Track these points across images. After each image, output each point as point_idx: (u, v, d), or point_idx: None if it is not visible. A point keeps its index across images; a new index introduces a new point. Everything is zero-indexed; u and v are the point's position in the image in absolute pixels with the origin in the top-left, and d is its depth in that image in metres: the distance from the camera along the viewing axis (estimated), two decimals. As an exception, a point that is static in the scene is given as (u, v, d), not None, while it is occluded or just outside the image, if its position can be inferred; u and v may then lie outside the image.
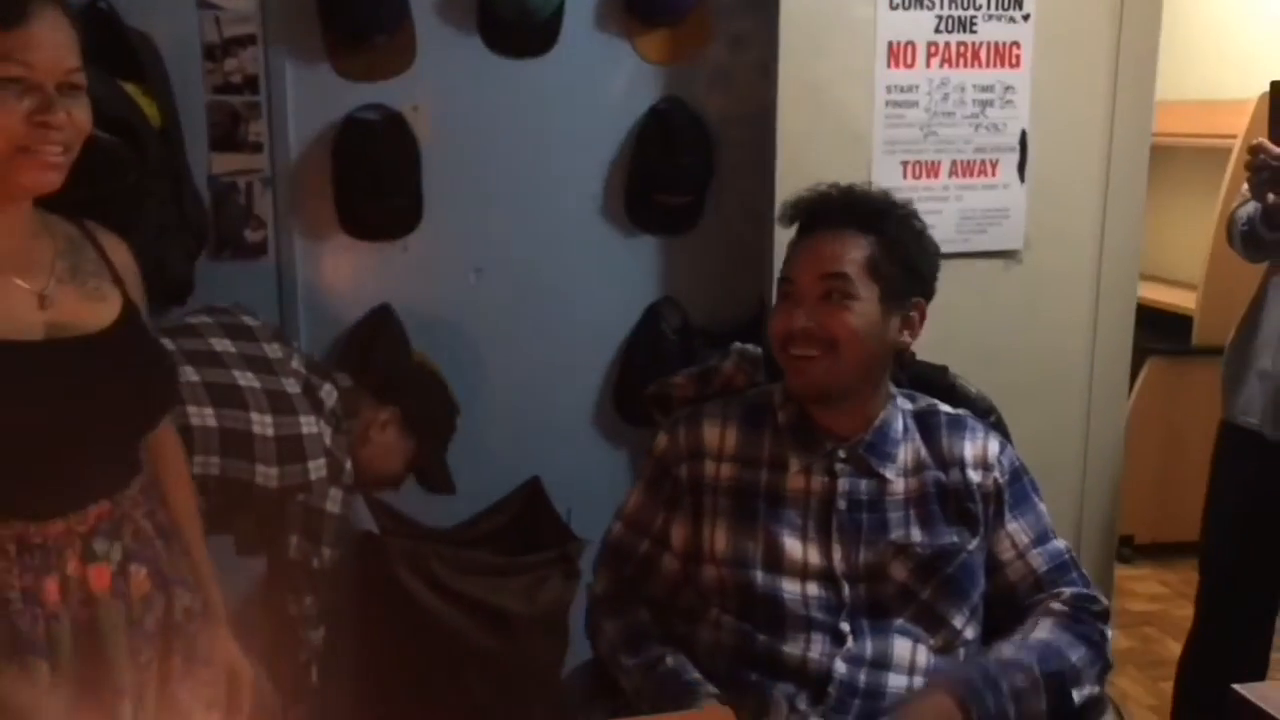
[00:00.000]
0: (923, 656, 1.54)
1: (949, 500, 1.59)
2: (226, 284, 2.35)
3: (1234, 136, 3.92)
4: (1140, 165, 2.85)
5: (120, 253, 1.46)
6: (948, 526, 1.58)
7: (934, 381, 1.78)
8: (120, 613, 1.36)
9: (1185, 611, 3.64)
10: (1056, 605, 1.58)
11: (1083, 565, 3.02)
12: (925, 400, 1.69)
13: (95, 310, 1.38)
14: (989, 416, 1.76)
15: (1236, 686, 1.58)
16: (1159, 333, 3.96)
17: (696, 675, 1.54)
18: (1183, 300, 4.11)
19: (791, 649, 1.52)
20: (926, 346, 2.68)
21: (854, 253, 1.55)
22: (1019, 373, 2.92)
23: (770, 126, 2.47)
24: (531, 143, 2.59)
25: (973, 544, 1.59)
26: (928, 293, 1.63)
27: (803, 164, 2.45)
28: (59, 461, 1.32)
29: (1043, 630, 1.56)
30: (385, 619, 2.23)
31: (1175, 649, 3.38)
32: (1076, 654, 1.53)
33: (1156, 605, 3.73)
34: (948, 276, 2.74)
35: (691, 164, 2.62)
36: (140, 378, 1.42)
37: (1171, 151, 4.04)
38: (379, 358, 2.46)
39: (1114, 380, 3.07)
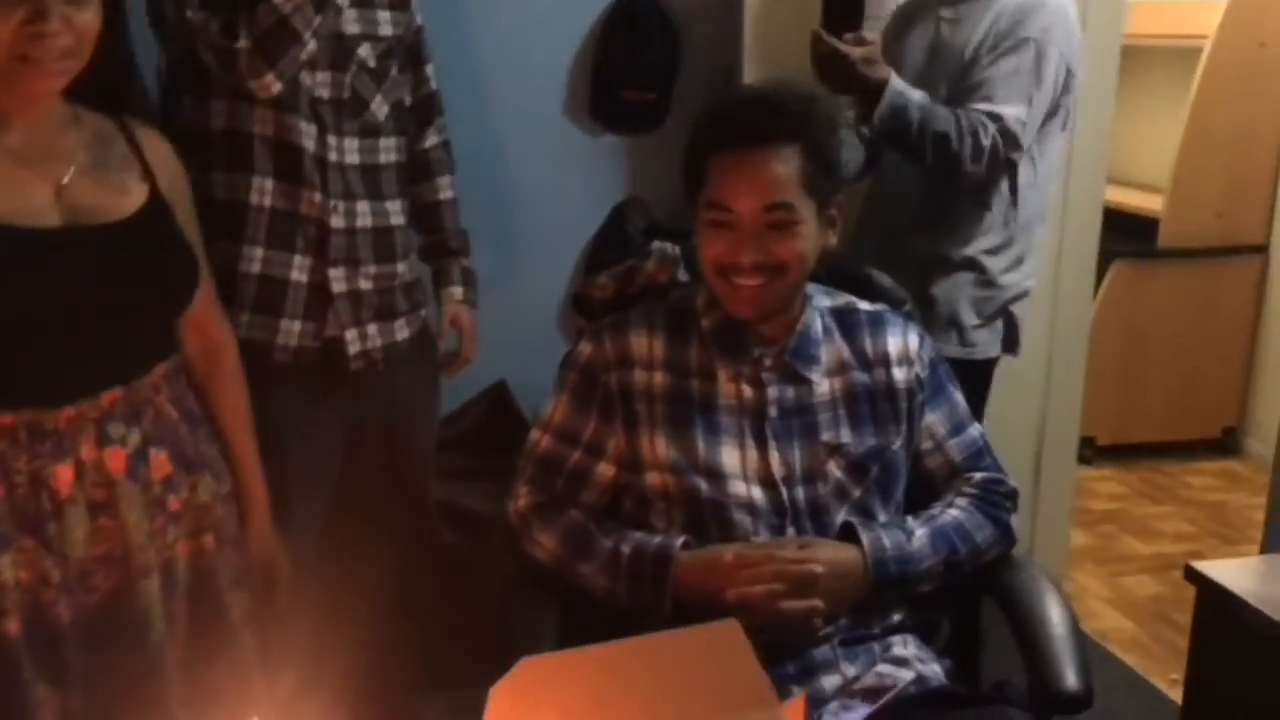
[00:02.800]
0: None
1: (875, 401, 1.62)
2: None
3: (1205, 37, 3.89)
4: (1110, 66, 2.82)
5: (157, 148, 1.48)
6: (874, 426, 1.61)
7: (848, 274, 1.79)
8: (138, 495, 1.40)
9: (1144, 510, 3.73)
10: (968, 489, 1.65)
11: (1044, 467, 3.07)
12: (843, 297, 1.70)
13: (116, 201, 1.40)
14: (902, 307, 1.78)
15: (1195, 565, 1.63)
16: (1125, 235, 3.96)
17: (658, 539, 1.55)
18: (1149, 203, 4.11)
19: None
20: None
21: (790, 172, 1.52)
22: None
23: (738, 19, 2.41)
24: (491, 37, 2.52)
25: (897, 443, 1.62)
26: (842, 188, 1.62)
27: (772, 59, 2.40)
28: (70, 347, 1.35)
29: (956, 510, 1.62)
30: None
31: (1134, 546, 3.47)
32: (983, 535, 1.61)
33: (1116, 504, 3.79)
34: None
35: (657, 59, 2.56)
36: (156, 268, 1.44)
37: (1140, 52, 4.00)
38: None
39: (1079, 283, 3.07)
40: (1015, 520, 1.67)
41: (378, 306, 1.95)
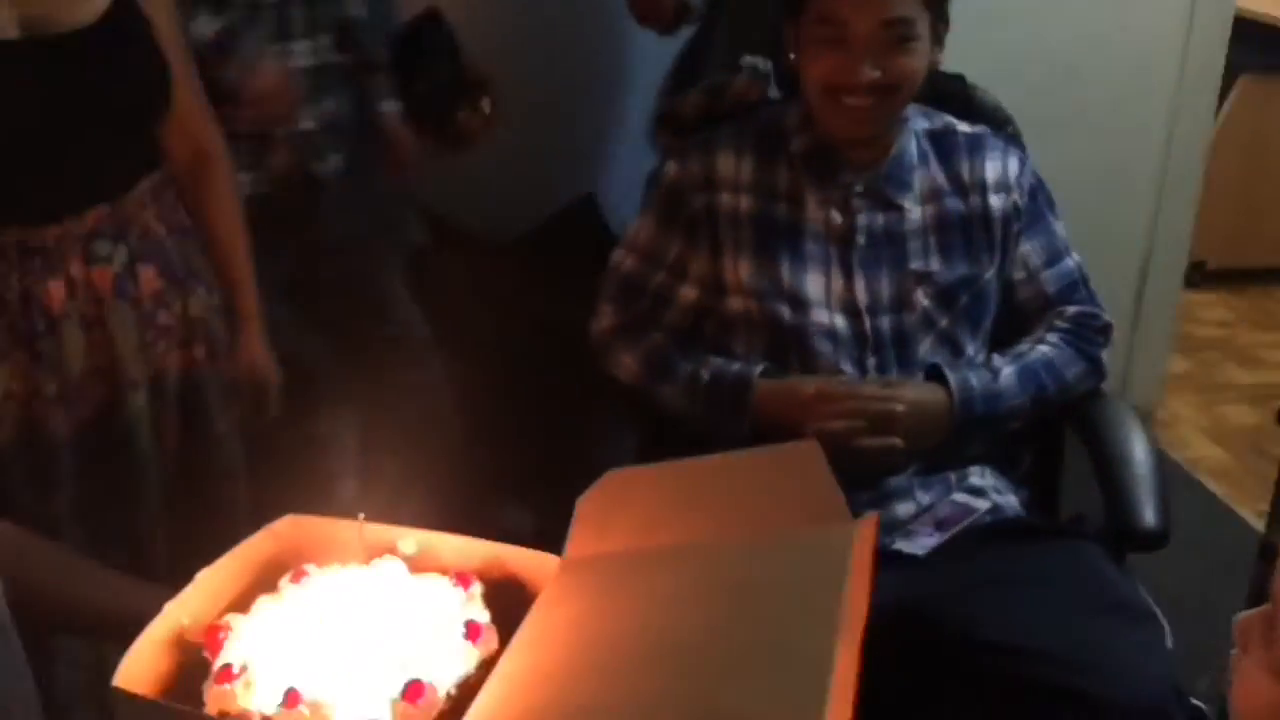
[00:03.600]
0: None
1: (969, 227, 1.57)
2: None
3: None
4: None
5: None
6: (966, 254, 1.56)
7: (950, 92, 1.70)
8: (126, 311, 1.41)
9: (1250, 338, 3.63)
10: (1060, 322, 1.61)
11: (1148, 289, 2.99)
12: (941, 119, 1.62)
13: (76, 5, 1.34)
14: (1006, 127, 1.70)
15: None
16: (1256, 47, 3.69)
17: (737, 365, 1.55)
18: (1285, 10, 3.82)
19: None
20: (1003, 55, 2.53)
21: None
22: (1102, 84, 2.78)
23: None
24: None
25: (989, 272, 1.58)
26: None
27: None
28: (47, 164, 1.34)
29: (1046, 346, 1.58)
30: (442, 331, 2.26)
31: (1235, 374, 3.39)
32: (1072, 370, 1.58)
33: (1221, 330, 3.68)
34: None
35: None
36: (128, 76, 1.40)
37: None
38: (429, 66, 2.38)
39: (1201, 98, 2.92)
40: (1107, 353, 1.63)
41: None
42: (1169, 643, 1.37)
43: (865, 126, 1.52)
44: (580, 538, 1.04)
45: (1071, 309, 1.61)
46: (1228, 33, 2.86)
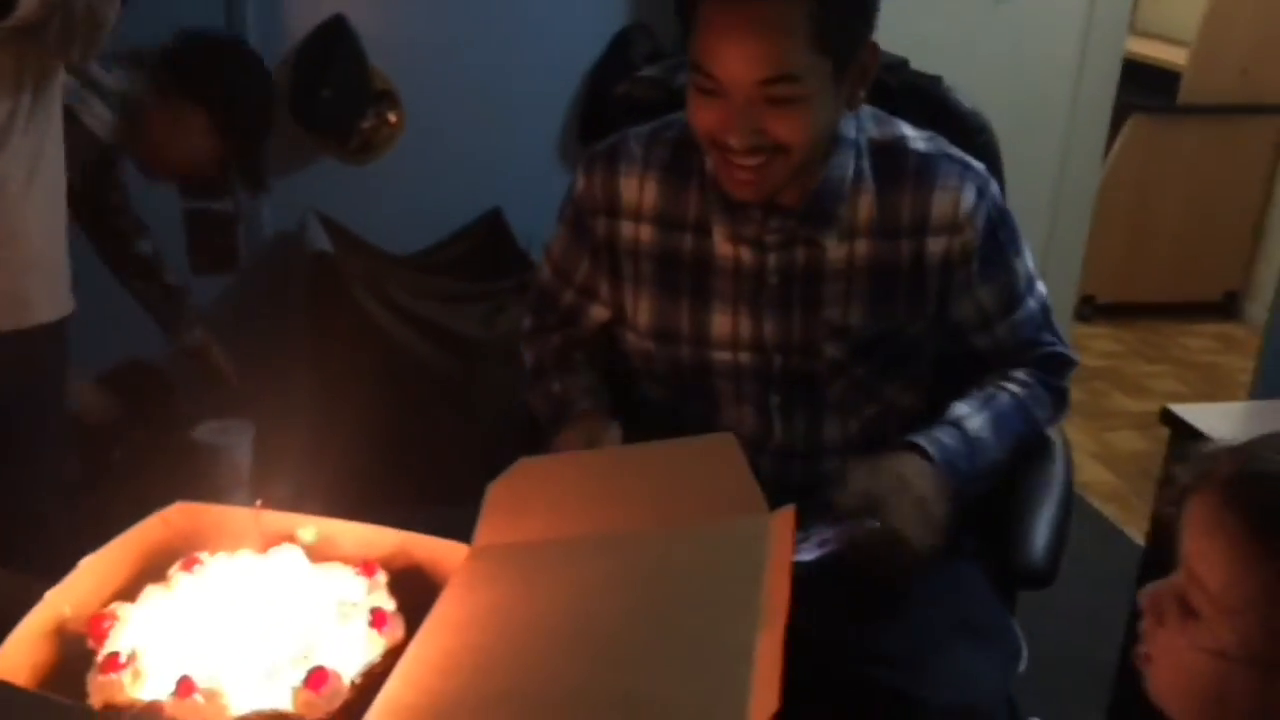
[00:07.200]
0: (854, 428, 1.43)
1: (896, 276, 1.35)
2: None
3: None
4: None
5: None
6: (889, 306, 1.36)
7: (925, 92, 1.54)
8: None
9: (1137, 368, 3.75)
10: (1024, 365, 1.44)
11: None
12: (893, 128, 1.37)
13: None
14: (979, 136, 1.52)
15: (1171, 407, 1.61)
16: (1145, 89, 3.86)
17: (580, 392, 1.46)
18: (1173, 56, 3.99)
19: (726, 420, 1.42)
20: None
21: (794, 30, 1.18)
22: (995, 118, 2.85)
23: None
24: None
25: (917, 325, 1.39)
26: (874, 24, 1.27)
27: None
28: None
29: (1012, 388, 1.42)
30: (342, 338, 2.23)
31: (1123, 402, 3.49)
32: (1043, 411, 1.44)
33: (1109, 361, 3.80)
34: (929, 10, 2.66)
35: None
36: None
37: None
38: (334, 73, 2.36)
39: (1092, 137, 3.03)
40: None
41: None
42: (1022, 664, 1.34)
43: (754, 188, 1.27)
44: (491, 525, 1.02)
45: (1036, 352, 1.45)
46: (1117, 73, 2.97)
